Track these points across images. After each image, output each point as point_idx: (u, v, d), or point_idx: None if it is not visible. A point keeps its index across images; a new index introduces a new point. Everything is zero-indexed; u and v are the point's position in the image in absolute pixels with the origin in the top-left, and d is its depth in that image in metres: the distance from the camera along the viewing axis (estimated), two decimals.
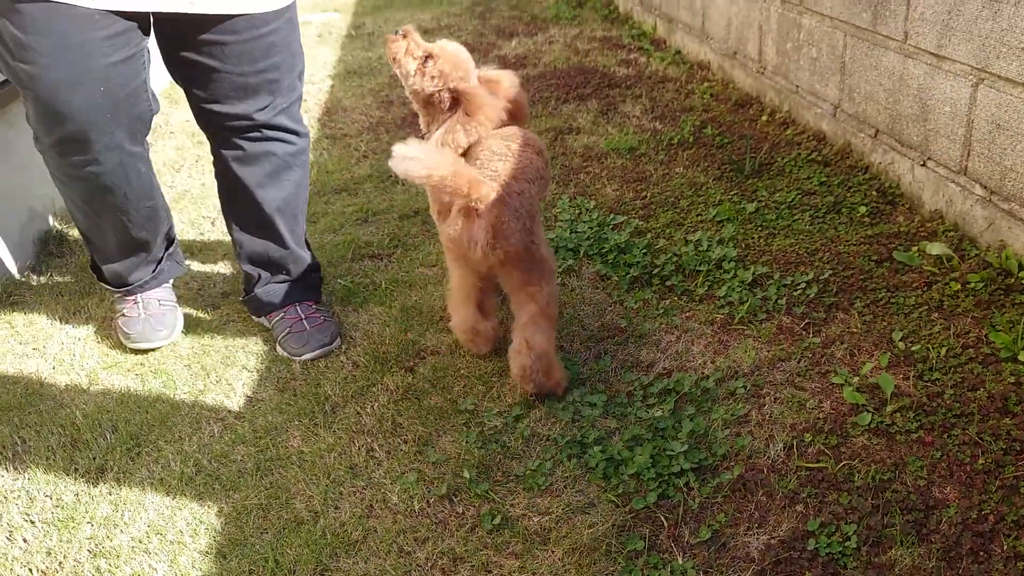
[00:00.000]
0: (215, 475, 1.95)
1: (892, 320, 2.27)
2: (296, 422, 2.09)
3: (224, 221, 2.46)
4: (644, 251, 2.70)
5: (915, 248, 2.56)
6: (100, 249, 2.37)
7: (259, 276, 2.43)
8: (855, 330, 2.25)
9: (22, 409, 2.21)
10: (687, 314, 2.40)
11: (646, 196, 3.12)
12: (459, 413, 2.08)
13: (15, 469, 2.01)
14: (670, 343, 2.28)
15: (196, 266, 2.91)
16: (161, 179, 3.65)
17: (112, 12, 1.91)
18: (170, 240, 2.50)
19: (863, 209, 2.83)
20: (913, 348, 2.13)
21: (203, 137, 4.09)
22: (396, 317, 2.50)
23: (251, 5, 2.05)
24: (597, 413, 2.03)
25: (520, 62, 5.01)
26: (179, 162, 3.85)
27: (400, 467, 1.92)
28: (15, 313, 2.66)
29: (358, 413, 2.11)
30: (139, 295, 2.44)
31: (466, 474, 1.87)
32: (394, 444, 2.00)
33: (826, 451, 1.85)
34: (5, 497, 1.93)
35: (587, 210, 3.04)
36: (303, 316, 2.38)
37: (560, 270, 2.66)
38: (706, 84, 4.27)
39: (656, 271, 2.60)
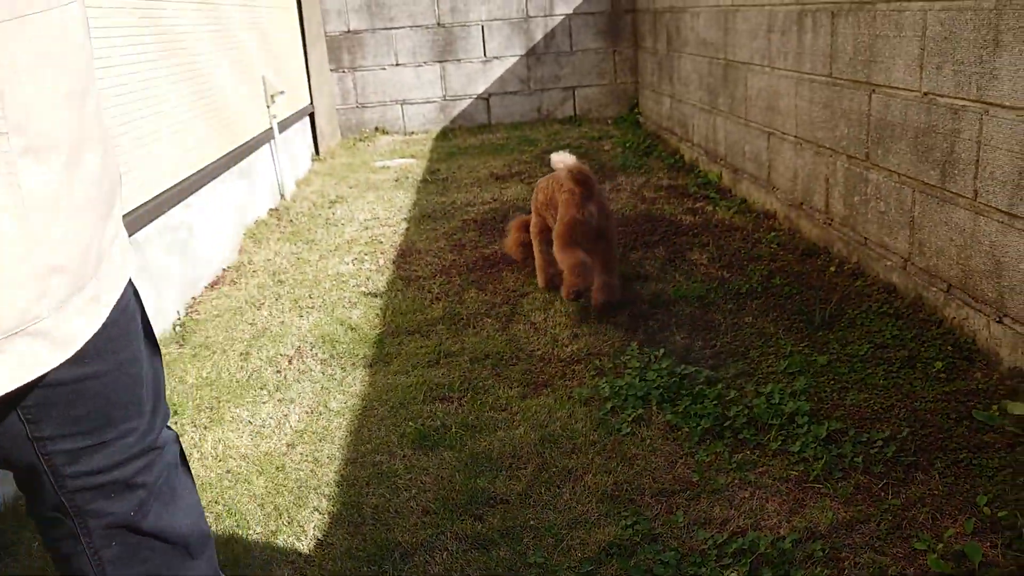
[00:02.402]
0: None
1: (975, 483, 2.20)
2: (365, 569, 2.09)
3: None
4: (715, 402, 2.69)
5: (995, 407, 2.51)
6: None
7: None
8: (937, 492, 2.18)
9: None
10: (760, 469, 2.37)
11: (716, 345, 3.14)
12: (528, 567, 2.05)
13: None
14: (744, 499, 2.24)
15: (272, 406, 2.99)
16: (242, 316, 3.81)
17: None
18: None
19: (939, 364, 2.79)
20: (1000, 514, 2.06)
21: (284, 276, 4.29)
22: (466, 462, 2.51)
23: None
24: (670, 573, 1.98)
25: None
26: (260, 300, 4.02)
27: None
28: None
29: (427, 562, 2.10)
30: None
31: None
32: None
33: None
34: None
35: (656, 358, 3.06)
36: None
37: (629, 419, 2.66)
38: (772, 233, 4.33)
39: (728, 423, 2.58)
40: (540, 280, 3.98)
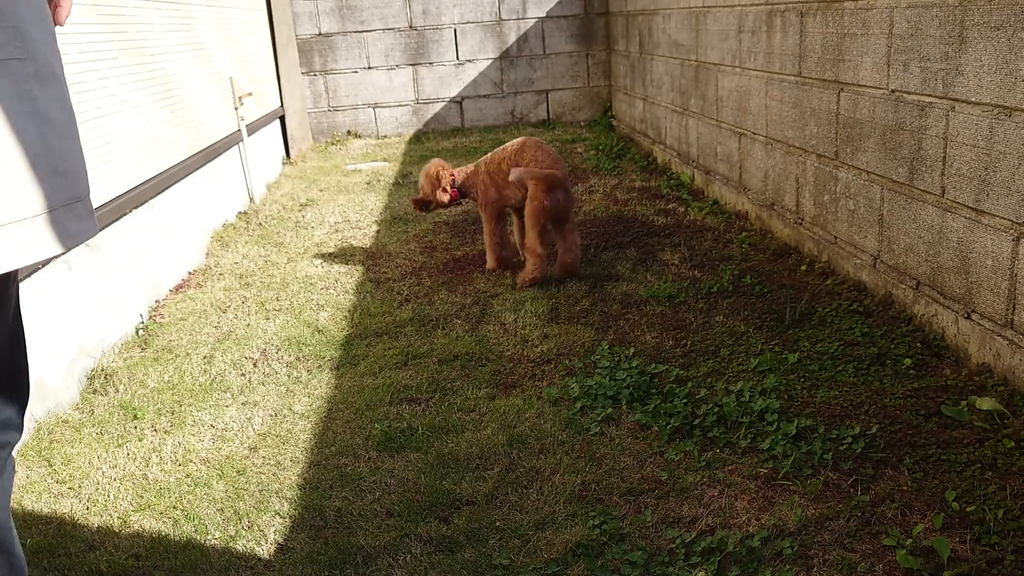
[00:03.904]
0: None
1: (944, 478, 2.18)
2: (327, 573, 2.04)
3: None
4: (685, 401, 2.66)
5: (964, 403, 2.50)
6: None
7: None
8: (905, 488, 2.16)
9: (52, 552, 2.19)
10: (730, 467, 2.34)
11: (686, 344, 3.11)
12: (493, 568, 2.01)
13: None
14: (713, 498, 2.21)
15: (236, 409, 2.93)
16: (207, 319, 3.74)
17: None
18: None
19: (908, 361, 2.78)
20: (968, 509, 2.04)
21: (252, 279, 4.22)
22: (432, 464, 2.46)
23: None
24: (637, 573, 1.95)
25: None
26: (226, 303, 3.95)
27: None
28: (54, 451, 2.68)
29: (390, 565, 2.05)
30: None
31: None
32: None
33: None
34: None
35: (626, 357, 3.03)
36: None
37: (599, 419, 2.63)
38: (744, 234, 4.33)
39: (697, 422, 2.55)
40: (490, 260, 4.09)
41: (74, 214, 1.34)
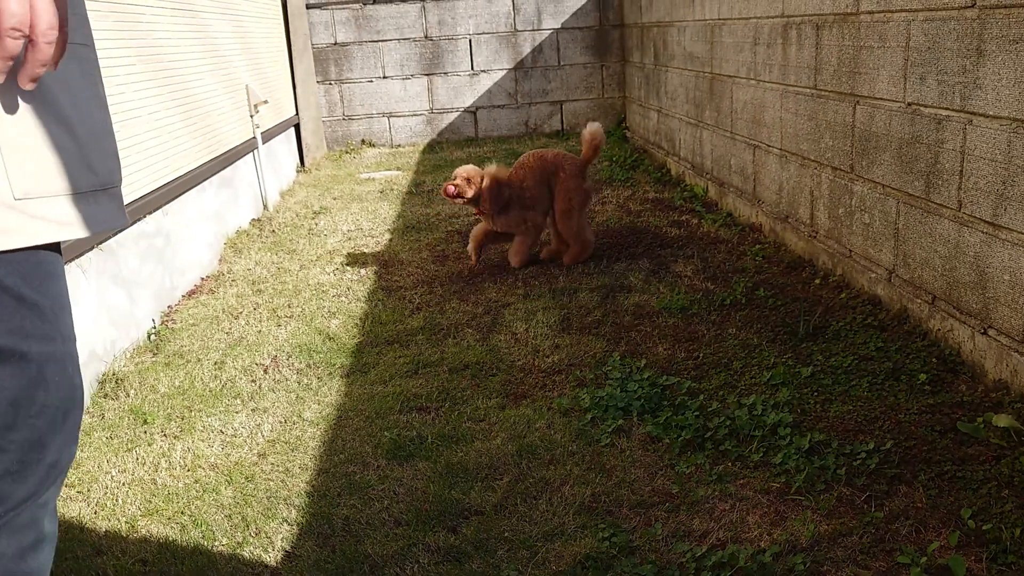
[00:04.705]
0: None
1: (959, 496, 2.15)
2: None
3: None
4: (696, 413, 2.64)
5: (980, 419, 2.47)
6: None
7: None
8: (920, 505, 2.13)
9: (60, 555, 2.18)
10: (741, 481, 2.31)
11: (698, 356, 3.09)
12: None
13: None
14: (724, 512, 2.18)
15: (245, 415, 2.93)
16: (219, 325, 3.74)
17: None
18: None
19: (923, 376, 2.75)
20: (984, 527, 2.01)
21: (264, 286, 4.23)
22: (441, 473, 2.45)
23: None
24: None
25: None
26: (238, 309, 3.95)
27: None
28: None
29: (398, 575, 2.03)
30: None
31: None
32: None
33: None
34: None
35: (638, 369, 3.01)
36: None
37: (609, 430, 2.61)
38: (758, 246, 4.30)
39: (709, 435, 2.53)
40: (473, 256, 4.38)
41: (115, 199, 1.34)
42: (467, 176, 4.15)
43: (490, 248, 4.52)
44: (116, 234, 3.52)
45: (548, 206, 4.25)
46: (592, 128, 4.25)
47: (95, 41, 1.36)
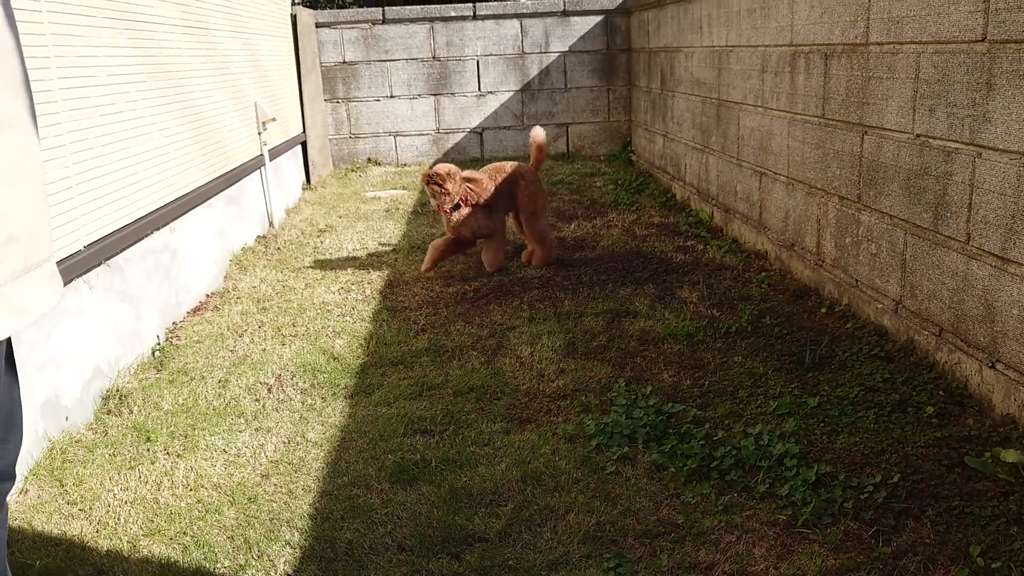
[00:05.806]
0: None
1: (968, 532, 2.13)
2: None
3: None
4: (702, 442, 2.63)
5: (988, 454, 2.45)
6: None
7: None
8: (928, 541, 2.12)
9: (61, 575, 2.16)
10: (748, 512, 2.30)
11: (704, 384, 3.08)
12: None
13: None
14: (730, 543, 2.17)
15: (249, 435, 2.91)
16: (223, 342, 3.73)
17: None
18: None
19: (930, 409, 2.74)
20: (993, 565, 1.99)
21: (269, 304, 4.22)
22: (445, 498, 2.44)
23: None
24: None
25: (578, 244, 5.13)
26: (243, 327, 3.95)
27: None
28: (66, 471, 2.67)
29: None
30: None
31: None
32: None
33: None
34: None
35: (643, 395, 3.00)
36: None
37: (614, 458, 2.60)
38: (763, 274, 4.30)
39: (715, 464, 2.52)
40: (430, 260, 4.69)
41: (26, 284, 1.15)
42: (448, 172, 4.53)
43: (447, 259, 4.85)
44: (124, 249, 3.52)
45: (508, 211, 4.78)
46: (534, 132, 4.86)
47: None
